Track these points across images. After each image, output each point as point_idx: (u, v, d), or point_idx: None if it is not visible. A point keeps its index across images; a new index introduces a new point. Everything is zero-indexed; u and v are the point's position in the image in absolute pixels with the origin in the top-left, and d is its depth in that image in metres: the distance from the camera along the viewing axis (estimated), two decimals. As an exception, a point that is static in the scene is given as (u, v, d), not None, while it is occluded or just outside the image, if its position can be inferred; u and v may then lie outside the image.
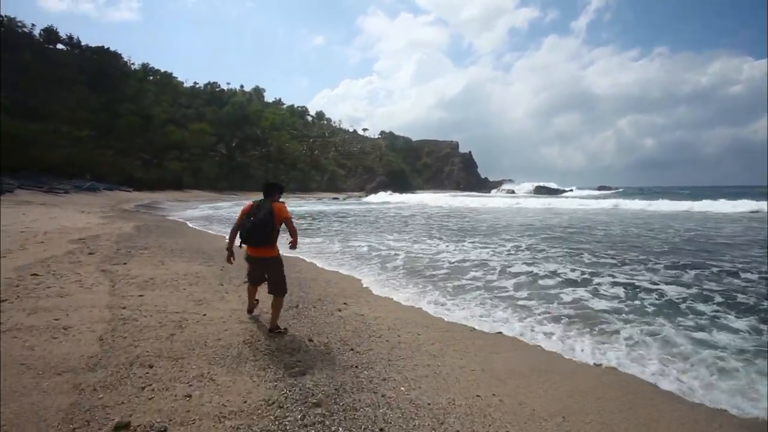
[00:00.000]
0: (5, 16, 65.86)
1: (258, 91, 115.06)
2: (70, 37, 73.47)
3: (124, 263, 6.86)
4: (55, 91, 59.27)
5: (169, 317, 4.33)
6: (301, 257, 8.61)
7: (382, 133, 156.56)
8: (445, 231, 14.81)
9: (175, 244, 9.54)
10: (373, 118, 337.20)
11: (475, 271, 7.54)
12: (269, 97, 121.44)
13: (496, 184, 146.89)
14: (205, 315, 4.50)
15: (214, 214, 22.22)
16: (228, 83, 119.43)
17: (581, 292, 6.13)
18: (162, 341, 3.67)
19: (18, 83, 54.42)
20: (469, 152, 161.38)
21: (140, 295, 5.05)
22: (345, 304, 5.34)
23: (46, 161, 38.82)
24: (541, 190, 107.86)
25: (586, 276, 7.11)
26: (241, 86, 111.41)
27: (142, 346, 3.52)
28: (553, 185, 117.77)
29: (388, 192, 78.30)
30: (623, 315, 5.09)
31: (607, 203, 31.69)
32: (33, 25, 69.35)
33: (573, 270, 7.56)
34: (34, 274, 5.64)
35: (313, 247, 10.34)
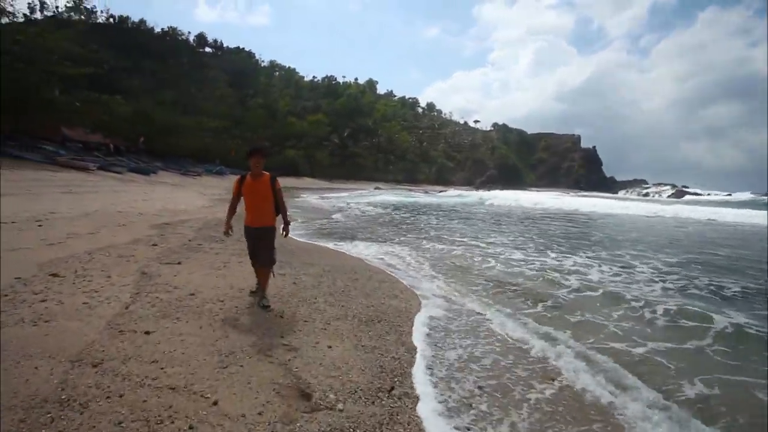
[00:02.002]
0: (170, 27, 77.95)
1: (371, 83, 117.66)
2: (215, 41, 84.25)
3: (179, 263, 5.26)
4: (203, 88, 68.43)
5: (150, 402, 2.21)
6: (392, 273, 6.16)
7: (495, 125, 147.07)
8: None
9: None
10: (486, 111, 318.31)
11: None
12: (381, 89, 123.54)
13: (625, 185, 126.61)
14: (215, 404, 2.29)
15: (321, 205, 21.47)
16: (344, 76, 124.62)
17: None
18: None
19: (178, 83, 64.16)
20: (593, 147, 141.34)
21: (147, 333, 3.11)
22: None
23: (189, 147, 44.39)
24: (684, 194, 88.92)
25: None
26: (356, 79, 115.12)
27: None
28: (698, 190, 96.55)
29: (498, 187, 72.47)
30: None
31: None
32: (189, 32, 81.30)
33: None
34: (54, 275, 4.22)
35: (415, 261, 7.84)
